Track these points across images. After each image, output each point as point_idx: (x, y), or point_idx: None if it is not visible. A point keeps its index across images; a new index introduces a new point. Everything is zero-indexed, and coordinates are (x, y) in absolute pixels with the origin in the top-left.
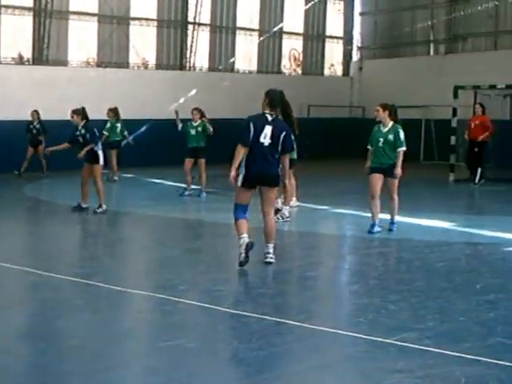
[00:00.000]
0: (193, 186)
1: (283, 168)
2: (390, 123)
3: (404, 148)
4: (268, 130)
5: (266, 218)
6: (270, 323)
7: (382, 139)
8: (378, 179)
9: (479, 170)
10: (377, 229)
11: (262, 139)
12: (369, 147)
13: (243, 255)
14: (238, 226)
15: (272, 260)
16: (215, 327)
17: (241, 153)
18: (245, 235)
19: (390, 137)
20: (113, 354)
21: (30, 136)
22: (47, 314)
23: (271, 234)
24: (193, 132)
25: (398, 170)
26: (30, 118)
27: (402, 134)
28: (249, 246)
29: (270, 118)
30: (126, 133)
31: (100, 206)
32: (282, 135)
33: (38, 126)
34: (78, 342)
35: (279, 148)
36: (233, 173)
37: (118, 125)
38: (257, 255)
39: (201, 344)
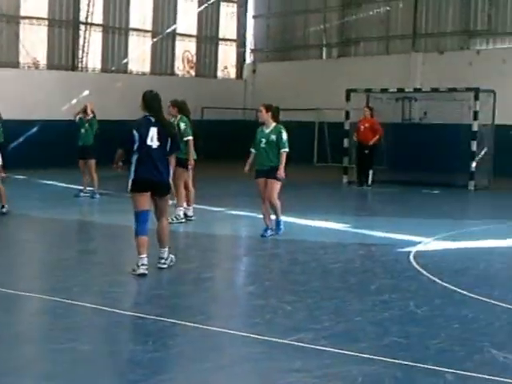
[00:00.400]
0: (88, 188)
1: (171, 166)
2: (273, 124)
3: (287, 149)
4: (154, 131)
5: (158, 224)
6: (166, 325)
7: (264, 140)
8: (263, 183)
9: (370, 171)
10: (270, 232)
11: (149, 142)
12: (252, 150)
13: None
14: (138, 244)
15: (164, 266)
16: (110, 329)
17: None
18: (144, 256)
19: (273, 137)
20: (5, 358)
21: None
22: None
23: (163, 239)
24: (82, 130)
25: (281, 172)
26: None
27: (284, 135)
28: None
29: (153, 120)
30: None
31: (3, 206)
32: (170, 135)
33: None
34: None
35: (167, 149)
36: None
37: None
38: (152, 257)
39: (95, 346)
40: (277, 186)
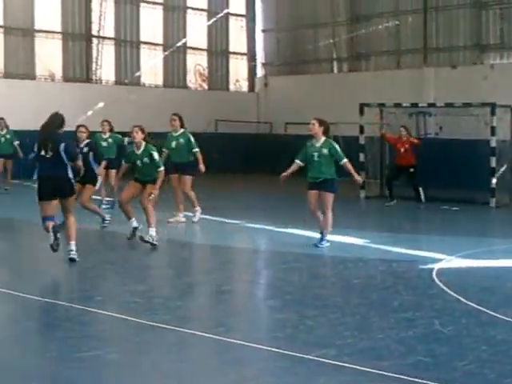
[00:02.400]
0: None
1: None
2: (323, 138)
3: (345, 159)
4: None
5: (66, 221)
6: (187, 335)
7: (316, 153)
8: (313, 195)
9: (420, 188)
10: (326, 243)
11: (42, 153)
12: (297, 161)
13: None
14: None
15: (75, 256)
16: (133, 339)
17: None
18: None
19: (325, 151)
20: (31, 365)
21: None
22: None
23: (71, 234)
24: (104, 144)
25: (357, 178)
26: None
27: (337, 147)
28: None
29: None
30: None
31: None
32: (62, 146)
33: None
34: None
35: (64, 157)
36: None
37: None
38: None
39: (120, 355)
40: (331, 198)
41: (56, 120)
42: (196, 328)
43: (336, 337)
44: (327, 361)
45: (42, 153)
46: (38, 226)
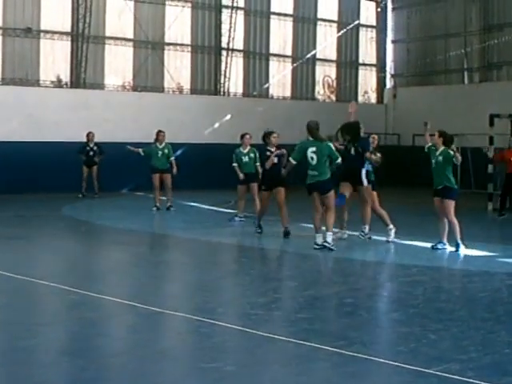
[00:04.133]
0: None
1: None
2: (442, 147)
3: (455, 162)
4: None
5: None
6: (308, 348)
7: (433, 161)
8: (438, 202)
9: None
10: (442, 246)
11: None
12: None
13: None
14: None
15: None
16: (253, 350)
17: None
18: None
19: (440, 158)
20: (153, 373)
21: (86, 157)
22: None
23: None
24: (245, 159)
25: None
26: (70, 140)
27: (450, 152)
28: None
29: None
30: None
31: None
32: None
33: (94, 148)
34: (118, 361)
35: None
36: None
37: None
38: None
39: (239, 367)
40: (451, 205)
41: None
42: (317, 341)
43: (460, 351)
44: (450, 375)
45: None
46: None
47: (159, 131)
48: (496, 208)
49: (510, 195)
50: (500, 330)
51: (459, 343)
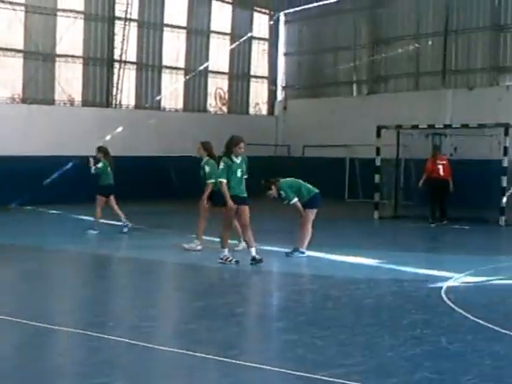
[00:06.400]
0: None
1: None
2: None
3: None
4: None
5: None
6: (198, 359)
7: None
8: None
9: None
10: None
11: None
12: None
13: None
14: None
15: None
16: (144, 364)
17: None
18: None
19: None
20: None
21: None
22: None
23: None
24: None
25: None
26: None
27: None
28: None
29: None
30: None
31: None
32: None
33: None
34: (5, 382)
35: None
36: None
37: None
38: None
39: (130, 381)
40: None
41: None
42: (207, 351)
43: (346, 356)
44: (336, 380)
45: None
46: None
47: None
48: (382, 216)
49: (440, 203)
50: (384, 334)
51: (345, 348)
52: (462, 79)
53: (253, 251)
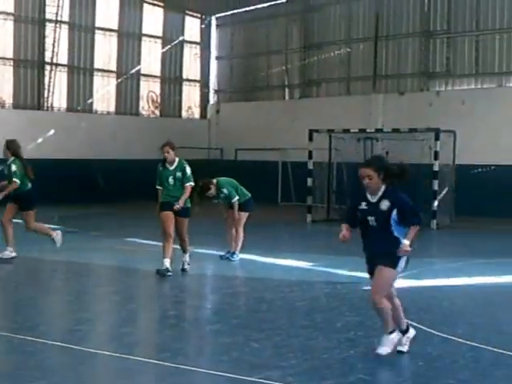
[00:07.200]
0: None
1: None
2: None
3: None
4: None
5: None
6: (133, 362)
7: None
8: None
9: None
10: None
11: None
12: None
13: None
14: None
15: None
16: (77, 367)
17: None
18: None
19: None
20: None
21: None
22: None
23: None
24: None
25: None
26: None
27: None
28: None
29: None
30: None
31: None
32: None
33: None
34: None
35: None
36: None
37: None
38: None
39: None
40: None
41: None
42: (142, 354)
43: (281, 358)
44: (271, 382)
45: None
46: None
47: None
48: (315, 220)
49: None
50: (318, 336)
51: (280, 351)
52: (393, 84)
53: (165, 262)
